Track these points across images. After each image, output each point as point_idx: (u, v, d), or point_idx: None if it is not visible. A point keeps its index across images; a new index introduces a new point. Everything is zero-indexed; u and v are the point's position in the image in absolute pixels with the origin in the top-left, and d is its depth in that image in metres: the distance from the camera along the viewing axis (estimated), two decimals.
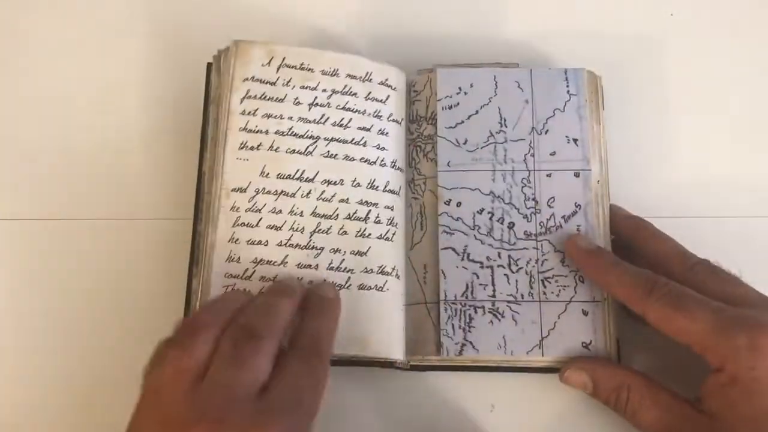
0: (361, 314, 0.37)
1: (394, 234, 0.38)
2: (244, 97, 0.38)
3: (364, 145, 0.39)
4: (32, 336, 0.40)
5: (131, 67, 0.45)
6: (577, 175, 0.39)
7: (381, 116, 0.39)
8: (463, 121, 0.40)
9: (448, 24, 0.46)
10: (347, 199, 0.38)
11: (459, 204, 0.39)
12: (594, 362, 0.36)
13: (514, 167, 0.39)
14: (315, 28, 0.46)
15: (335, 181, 0.38)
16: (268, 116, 0.38)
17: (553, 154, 0.39)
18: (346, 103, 0.39)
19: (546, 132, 0.40)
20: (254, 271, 0.37)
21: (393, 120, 0.40)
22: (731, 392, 0.31)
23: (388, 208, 0.38)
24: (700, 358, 0.33)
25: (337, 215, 0.38)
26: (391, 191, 0.39)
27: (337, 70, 0.39)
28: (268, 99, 0.38)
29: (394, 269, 0.38)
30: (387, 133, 0.39)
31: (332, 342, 0.33)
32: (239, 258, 0.37)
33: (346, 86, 0.39)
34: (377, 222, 0.38)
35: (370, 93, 0.39)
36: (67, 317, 0.40)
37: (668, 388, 0.34)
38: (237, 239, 0.37)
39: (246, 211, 0.37)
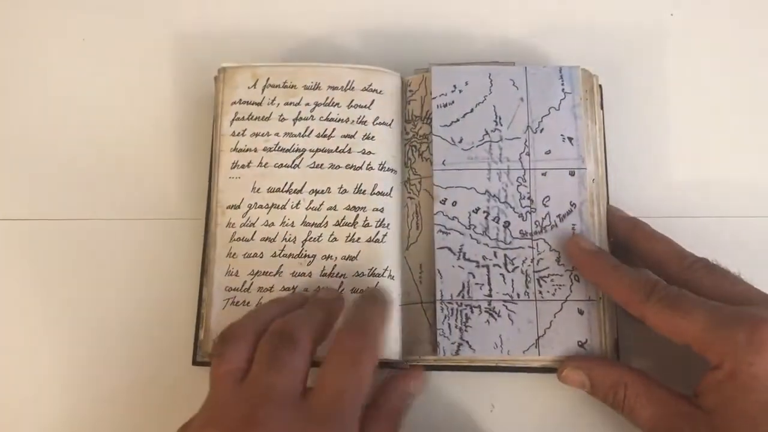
0: None
1: (385, 235, 0.39)
2: (233, 120, 0.40)
3: (349, 152, 0.39)
4: (35, 337, 0.40)
5: (142, 67, 0.45)
6: (572, 173, 0.38)
7: (366, 121, 0.40)
8: (458, 120, 0.40)
9: (444, 23, 0.46)
10: (335, 206, 0.39)
11: (454, 203, 0.38)
12: (590, 361, 0.36)
13: (510, 166, 0.39)
14: (314, 27, 0.46)
15: (322, 190, 0.39)
16: (256, 135, 0.40)
17: (548, 152, 0.39)
18: (329, 114, 0.40)
19: (541, 130, 0.39)
20: (252, 282, 0.38)
21: (380, 123, 0.40)
22: (729, 388, 0.31)
23: (377, 210, 0.39)
24: (699, 357, 0.32)
25: (327, 223, 0.39)
26: (380, 193, 0.39)
27: (319, 83, 0.40)
28: (255, 118, 0.40)
29: (386, 270, 0.38)
30: (373, 137, 0.40)
31: (376, 345, 0.34)
32: (237, 271, 0.39)
33: (328, 98, 0.40)
34: (366, 225, 0.39)
35: (352, 101, 0.40)
36: (71, 319, 0.41)
37: (665, 385, 0.34)
38: (234, 254, 0.39)
39: (241, 226, 0.39)
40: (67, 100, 0.45)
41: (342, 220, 0.39)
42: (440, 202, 0.38)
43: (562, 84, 0.40)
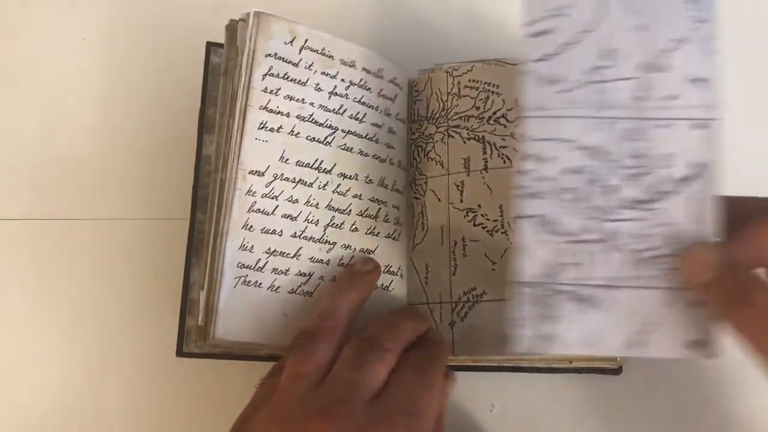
0: (366, 313, 0.36)
1: (399, 234, 0.38)
2: (266, 74, 0.35)
3: (376, 141, 0.38)
4: (29, 336, 0.40)
5: (122, 69, 0.45)
6: (701, 125, 0.29)
7: (390, 114, 0.39)
8: (557, 53, 0.31)
9: (449, 22, 0.46)
10: (360, 195, 0.37)
11: (546, 159, 0.30)
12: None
13: (619, 114, 0.30)
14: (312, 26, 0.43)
15: (351, 176, 0.37)
16: (291, 98, 0.35)
17: (671, 97, 0.30)
18: (362, 96, 0.38)
19: (664, 69, 0.30)
20: (267, 262, 0.34)
21: (399, 119, 0.39)
22: None
23: (395, 207, 0.38)
24: None
25: (350, 211, 0.37)
26: (397, 190, 0.39)
27: (354, 61, 0.38)
28: (291, 80, 0.36)
29: (399, 269, 0.38)
30: (395, 131, 0.39)
31: (445, 360, 0.33)
32: (252, 247, 0.34)
33: (362, 80, 0.38)
34: (386, 221, 0.38)
35: (381, 90, 0.39)
36: (62, 317, 0.40)
37: None
38: (251, 226, 0.34)
39: (263, 196, 0.34)
40: (56, 100, 0.44)
41: (365, 210, 0.37)
42: (528, 157, 0.30)
43: (697, 11, 0.30)
